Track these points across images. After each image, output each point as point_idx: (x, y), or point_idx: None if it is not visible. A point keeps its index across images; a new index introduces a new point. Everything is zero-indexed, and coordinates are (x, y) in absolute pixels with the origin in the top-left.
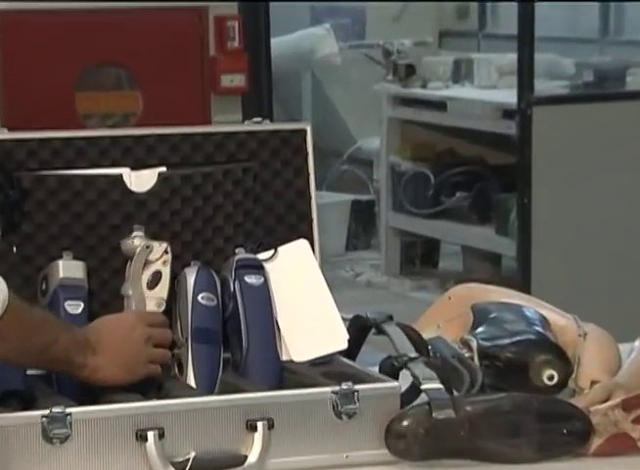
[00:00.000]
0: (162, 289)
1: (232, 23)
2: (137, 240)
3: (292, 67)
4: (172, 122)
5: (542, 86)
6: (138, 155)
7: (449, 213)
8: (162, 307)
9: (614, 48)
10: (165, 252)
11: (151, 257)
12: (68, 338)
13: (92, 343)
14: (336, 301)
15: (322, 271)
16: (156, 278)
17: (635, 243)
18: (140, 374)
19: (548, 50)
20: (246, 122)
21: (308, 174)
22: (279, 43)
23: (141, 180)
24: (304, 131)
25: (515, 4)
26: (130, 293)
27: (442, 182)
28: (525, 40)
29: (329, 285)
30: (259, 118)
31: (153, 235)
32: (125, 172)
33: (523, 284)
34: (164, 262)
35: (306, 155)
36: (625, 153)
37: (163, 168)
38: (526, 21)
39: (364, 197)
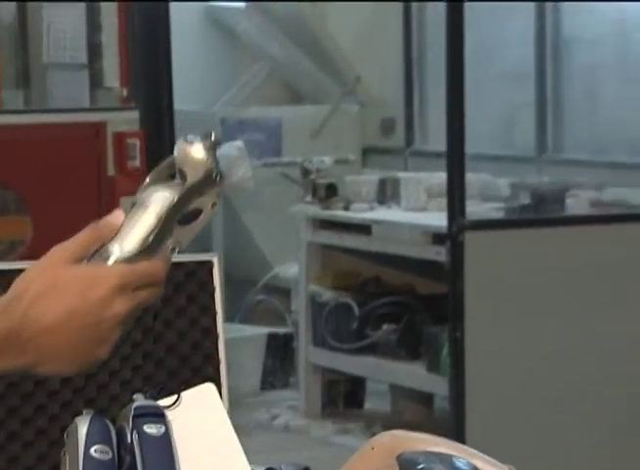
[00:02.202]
0: (190, 232)
1: (133, 141)
2: (201, 153)
3: None
4: None
5: (475, 209)
6: None
7: (376, 349)
8: (176, 253)
9: (552, 167)
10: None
11: (210, 190)
12: None
13: (19, 335)
14: (250, 447)
15: (231, 418)
16: (193, 215)
17: (580, 382)
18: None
19: (481, 169)
20: None
21: (215, 311)
22: None
23: None
24: (211, 263)
25: (444, 119)
26: (151, 210)
27: (368, 314)
28: (456, 158)
29: (242, 430)
30: None
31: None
32: None
33: (456, 426)
34: (214, 205)
35: (213, 290)
36: (566, 283)
37: None
38: (457, 137)
39: (281, 330)
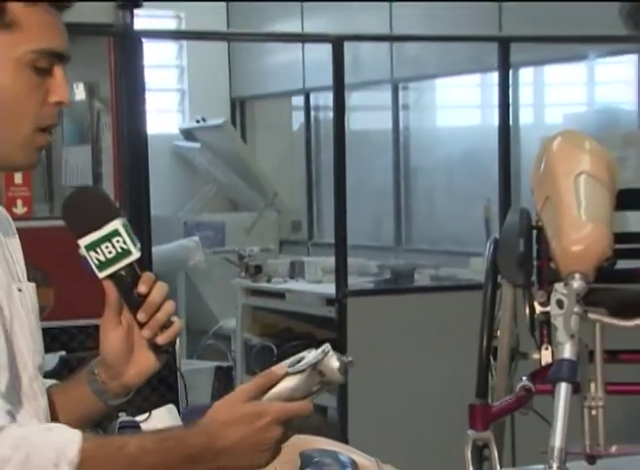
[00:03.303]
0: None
1: None
2: (339, 373)
3: (169, 269)
4: (77, 312)
5: (354, 282)
6: (44, 343)
7: None
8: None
9: (405, 254)
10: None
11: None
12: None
13: (212, 449)
14: None
15: None
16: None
17: (427, 399)
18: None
19: (358, 255)
20: None
21: (175, 355)
22: (160, 251)
23: (45, 362)
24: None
25: (333, 221)
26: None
27: (283, 353)
28: (341, 248)
29: None
30: None
31: None
32: None
33: (342, 428)
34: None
35: (175, 341)
36: (415, 332)
37: (63, 352)
38: (341, 233)
39: (225, 364)
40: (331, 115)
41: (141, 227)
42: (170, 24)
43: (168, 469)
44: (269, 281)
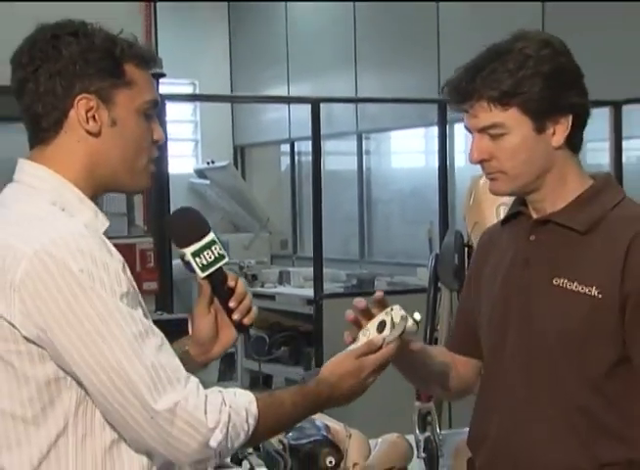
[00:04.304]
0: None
1: (149, 253)
2: (411, 323)
3: (185, 278)
4: None
5: (328, 287)
6: None
7: (278, 360)
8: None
9: (367, 265)
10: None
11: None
12: (316, 407)
13: (332, 394)
14: None
15: None
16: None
17: (382, 382)
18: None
19: (331, 266)
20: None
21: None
22: (178, 264)
23: None
24: (186, 320)
25: (312, 239)
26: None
27: (274, 341)
28: (318, 260)
29: None
30: (160, 312)
31: None
32: None
33: None
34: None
35: (187, 332)
36: None
37: None
38: (318, 249)
39: (228, 350)
40: (310, 158)
41: (164, 245)
42: (187, 89)
43: (306, 415)
44: (263, 286)
